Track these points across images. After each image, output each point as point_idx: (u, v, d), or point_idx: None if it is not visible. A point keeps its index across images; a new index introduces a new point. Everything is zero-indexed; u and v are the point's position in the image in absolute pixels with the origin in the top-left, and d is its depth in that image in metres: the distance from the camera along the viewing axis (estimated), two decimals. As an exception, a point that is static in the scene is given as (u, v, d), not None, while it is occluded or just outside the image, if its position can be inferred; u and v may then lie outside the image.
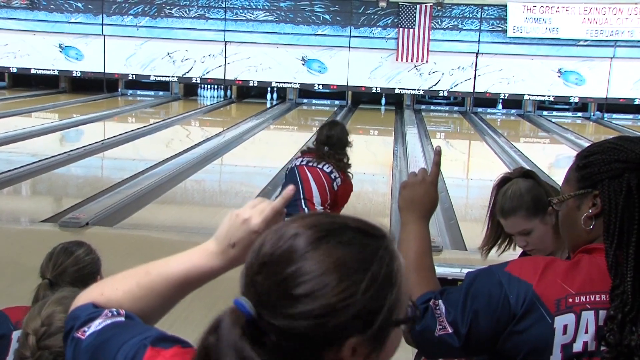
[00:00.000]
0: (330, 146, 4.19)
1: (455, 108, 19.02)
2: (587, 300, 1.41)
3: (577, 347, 1.40)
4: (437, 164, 1.69)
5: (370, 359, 0.92)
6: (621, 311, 1.37)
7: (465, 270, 2.80)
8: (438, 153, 1.69)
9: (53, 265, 2.50)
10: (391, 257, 0.94)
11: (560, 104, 18.50)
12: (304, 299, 0.88)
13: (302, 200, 4.04)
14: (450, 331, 1.46)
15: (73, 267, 2.51)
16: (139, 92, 19.53)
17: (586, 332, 1.40)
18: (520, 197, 2.27)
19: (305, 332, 0.88)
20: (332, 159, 4.17)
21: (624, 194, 1.44)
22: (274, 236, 0.94)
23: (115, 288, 1.18)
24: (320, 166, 4.19)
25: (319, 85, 18.61)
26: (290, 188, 1.20)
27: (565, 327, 1.40)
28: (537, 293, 1.41)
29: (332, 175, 4.19)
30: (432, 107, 18.94)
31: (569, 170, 1.57)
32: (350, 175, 4.24)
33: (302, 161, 4.26)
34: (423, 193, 1.66)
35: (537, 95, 18.34)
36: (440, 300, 1.50)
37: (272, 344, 0.89)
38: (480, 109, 18.78)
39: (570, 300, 1.41)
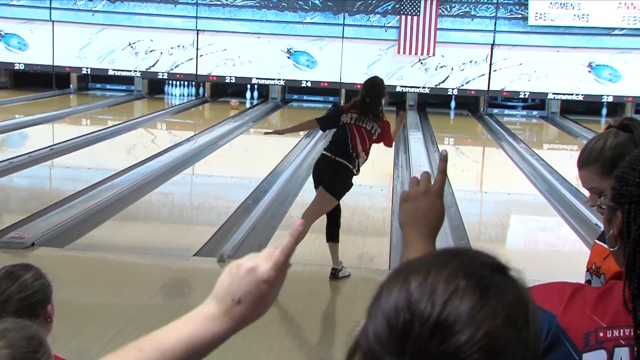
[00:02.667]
0: (370, 99, 6.11)
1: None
2: (621, 334, 1.41)
3: None
4: (442, 171, 1.66)
5: None
6: None
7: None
8: (444, 159, 1.67)
9: None
10: (523, 285, 1.02)
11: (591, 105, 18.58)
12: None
13: (351, 150, 6.08)
14: None
15: (19, 294, 2.52)
16: (97, 86, 19.52)
17: None
18: (600, 150, 2.23)
19: None
20: (371, 114, 6.11)
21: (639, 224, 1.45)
22: (426, 289, 0.94)
23: None
24: (363, 125, 6.10)
25: (307, 82, 18.66)
26: (298, 223, 1.19)
27: None
28: (562, 326, 1.42)
29: (372, 130, 6.13)
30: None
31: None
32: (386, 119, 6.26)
33: (351, 119, 6.13)
34: (427, 206, 1.64)
35: (564, 94, 18.43)
36: None
37: None
38: (496, 110, 18.88)
39: (601, 334, 1.41)
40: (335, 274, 6.08)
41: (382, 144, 6.33)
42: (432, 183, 1.66)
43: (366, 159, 6.24)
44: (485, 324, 0.90)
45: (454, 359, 0.89)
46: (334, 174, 6.05)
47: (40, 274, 2.62)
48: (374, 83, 6.29)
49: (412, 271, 0.96)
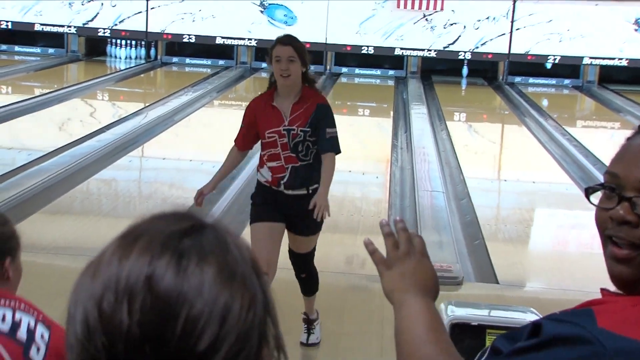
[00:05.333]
0: None
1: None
2: None
3: None
4: (418, 235, 1.77)
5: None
6: None
7: (497, 313, 2.80)
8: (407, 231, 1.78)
9: None
10: (224, 231, 1.11)
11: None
12: (212, 348, 0.99)
13: None
14: None
15: None
16: (17, 48, 19.38)
17: None
18: None
19: None
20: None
21: None
22: (113, 286, 1.01)
23: None
24: None
25: (284, 41, 18.55)
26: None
27: None
28: None
29: None
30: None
31: None
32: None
33: None
34: (414, 268, 1.71)
35: (603, 58, 18.47)
36: None
37: None
38: (518, 79, 18.90)
39: None
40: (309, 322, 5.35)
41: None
42: (412, 239, 1.73)
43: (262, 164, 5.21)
44: (195, 301, 0.99)
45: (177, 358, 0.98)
46: None
47: (5, 220, 2.70)
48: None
49: (96, 271, 1.03)
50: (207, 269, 1.02)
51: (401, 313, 1.67)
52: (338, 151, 5.09)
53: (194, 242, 1.05)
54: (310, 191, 4.95)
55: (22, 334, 2.57)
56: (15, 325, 2.58)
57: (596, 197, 1.61)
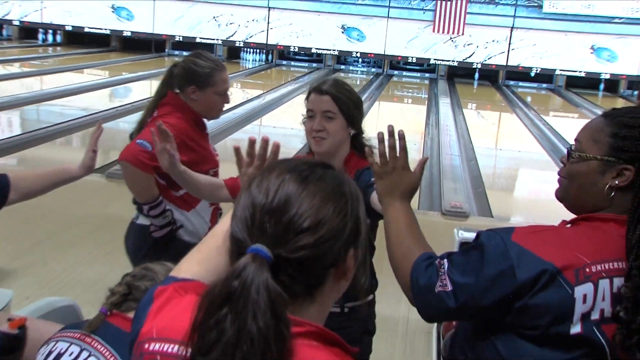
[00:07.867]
0: None
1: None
2: (603, 268, 1.37)
3: (595, 315, 1.36)
4: (404, 149, 1.71)
5: (359, 261, 1.09)
6: (637, 292, 1.33)
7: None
8: (402, 137, 1.72)
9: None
10: (347, 179, 1.11)
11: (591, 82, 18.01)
12: (312, 230, 1.00)
13: None
14: (449, 289, 1.42)
15: (185, 65, 2.83)
16: (184, 53, 19.55)
17: (603, 299, 1.37)
18: None
19: (317, 255, 1.01)
20: None
21: None
22: (262, 187, 1.04)
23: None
24: None
25: (357, 52, 18.43)
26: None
27: (585, 296, 1.35)
28: (557, 267, 1.35)
29: None
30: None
31: (597, 128, 1.47)
32: None
33: None
34: (398, 180, 1.69)
35: (569, 71, 17.91)
36: (445, 260, 1.47)
37: (288, 278, 0.99)
38: (512, 82, 18.44)
39: (588, 270, 1.36)
40: None
41: None
42: (397, 160, 1.71)
43: None
44: (306, 201, 1.01)
45: (289, 229, 0.99)
46: None
47: (193, 61, 2.82)
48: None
49: (253, 178, 1.07)
50: (322, 186, 1.04)
51: (387, 214, 1.68)
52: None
53: (317, 172, 1.06)
54: (346, 309, 2.27)
55: None
56: None
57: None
